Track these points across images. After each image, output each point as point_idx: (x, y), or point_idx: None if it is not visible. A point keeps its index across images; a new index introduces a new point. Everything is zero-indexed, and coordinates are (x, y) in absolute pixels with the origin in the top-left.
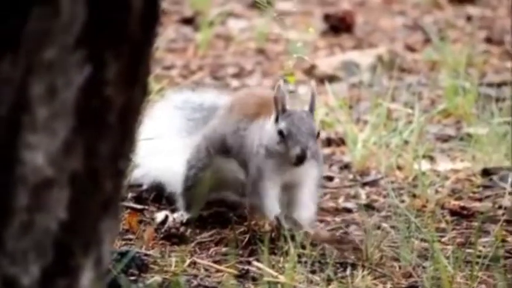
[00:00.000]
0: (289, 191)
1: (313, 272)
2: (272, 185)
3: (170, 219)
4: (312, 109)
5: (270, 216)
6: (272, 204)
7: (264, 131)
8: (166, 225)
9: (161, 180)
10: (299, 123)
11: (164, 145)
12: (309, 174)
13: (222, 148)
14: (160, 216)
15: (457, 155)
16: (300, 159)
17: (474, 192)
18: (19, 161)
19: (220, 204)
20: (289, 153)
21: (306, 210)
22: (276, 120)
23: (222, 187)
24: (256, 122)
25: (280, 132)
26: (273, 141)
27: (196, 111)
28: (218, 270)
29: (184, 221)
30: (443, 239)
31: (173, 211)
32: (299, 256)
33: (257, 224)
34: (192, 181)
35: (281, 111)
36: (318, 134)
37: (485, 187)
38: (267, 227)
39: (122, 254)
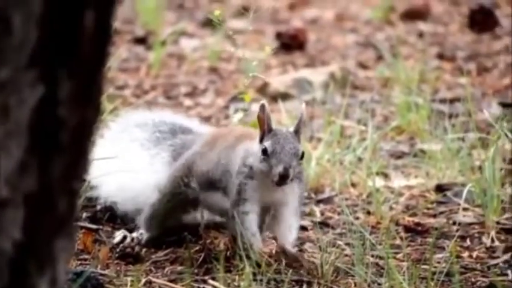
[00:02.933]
0: (273, 209)
1: None
2: (252, 207)
3: (128, 239)
4: (297, 130)
5: (253, 245)
6: (254, 234)
7: (249, 152)
8: (121, 245)
9: (119, 199)
10: (284, 143)
11: (126, 161)
12: (293, 193)
13: (207, 183)
14: (118, 235)
15: (410, 171)
16: (283, 178)
17: (428, 208)
18: None
19: (175, 224)
20: (272, 171)
21: (291, 230)
22: (261, 139)
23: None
24: (239, 149)
25: (264, 151)
26: (257, 159)
27: (161, 124)
28: None
29: (144, 241)
30: (398, 256)
31: (130, 231)
32: (254, 274)
33: (212, 242)
34: (161, 209)
35: (267, 131)
36: (303, 154)
37: (439, 203)
38: (222, 246)
39: (78, 274)
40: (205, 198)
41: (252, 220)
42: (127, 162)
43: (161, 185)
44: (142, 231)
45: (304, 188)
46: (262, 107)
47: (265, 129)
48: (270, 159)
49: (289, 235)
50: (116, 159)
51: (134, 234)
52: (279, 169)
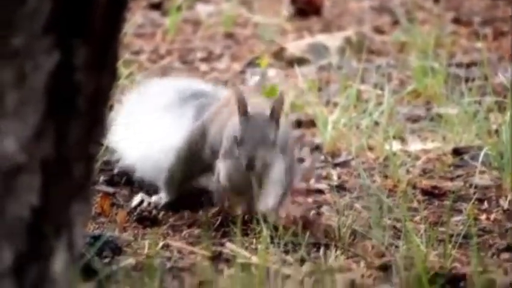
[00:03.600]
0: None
1: (286, 252)
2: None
3: (145, 202)
4: (272, 114)
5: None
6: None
7: (228, 131)
8: (138, 208)
9: (139, 163)
10: (253, 131)
11: (149, 125)
12: (278, 166)
13: (215, 149)
14: (136, 199)
15: (427, 135)
16: (248, 168)
17: (445, 172)
18: None
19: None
20: (240, 160)
21: (267, 199)
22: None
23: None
24: (232, 120)
25: (235, 138)
26: (230, 143)
27: (184, 89)
28: (191, 252)
29: (162, 203)
30: (415, 218)
31: (147, 194)
32: (272, 237)
33: (229, 206)
34: (178, 172)
35: (241, 114)
36: (274, 140)
37: (456, 166)
38: (239, 210)
39: (95, 238)
40: (216, 163)
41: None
42: (150, 126)
43: (178, 148)
44: (160, 194)
45: (291, 160)
46: (237, 90)
47: (241, 113)
48: (239, 147)
49: (263, 200)
50: (139, 122)
51: (152, 198)
52: (243, 160)
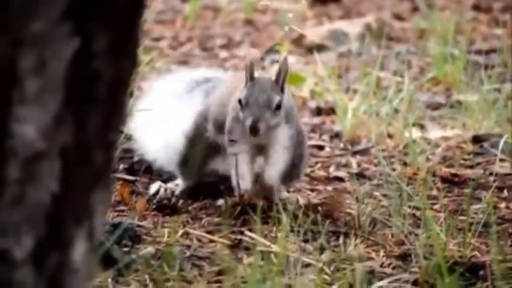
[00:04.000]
0: (263, 151)
1: (306, 241)
2: (241, 147)
3: (162, 190)
4: (277, 79)
5: (238, 190)
6: (243, 175)
7: (235, 100)
8: (158, 196)
9: (155, 152)
10: (258, 94)
11: (163, 113)
12: (282, 134)
13: (219, 127)
14: (153, 187)
15: (447, 123)
16: (252, 131)
17: (465, 159)
18: (10, 134)
19: (211, 175)
20: (244, 123)
21: (272, 168)
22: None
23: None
24: (235, 93)
25: (240, 101)
26: (235, 108)
27: (197, 76)
28: (211, 241)
29: (180, 190)
30: (435, 207)
31: (165, 182)
32: (291, 225)
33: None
34: (188, 155)
35: (248, 79)
36: (279, 103)
37: (476, 154)
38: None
39: (115, 226)
40: (222, 142)
41: (241, 161)
42: (164, 114)
43: (186, 131)
44: (176, 181)
45: (296, 128)
46: (247, 57)
47: (248, 78)
48: (243, 110)
49: (270, 169)
50: (153, 111)
51: (169, 185)
52: (247, 122)
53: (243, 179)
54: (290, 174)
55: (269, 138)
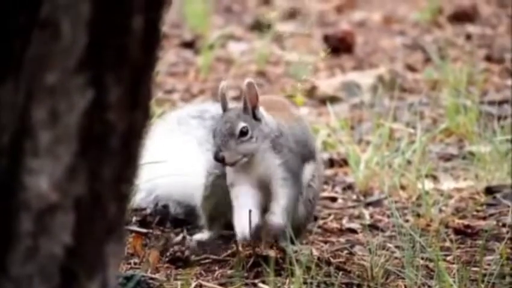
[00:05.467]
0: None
1: None
2: (240, 188)
3: (187, 240)
4: (246, 107)
5: (239, 237)
6: (239, 220)
7: None
8: (171, 249)
9: (176, 197)
10: (221, 124)
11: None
12: (274, 165)
13: None
14: (177, 238)
15: (460, 174)
16: (217, 161)
17: (478, 211)
18: (22, 186)
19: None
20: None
21: (277, 201)
22: None
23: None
24: None
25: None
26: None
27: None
28: None
29: (205, 239)
30: (448, 258)
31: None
32: (305, 277)
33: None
34: (210, 189)
35: (223, 111)
36: (245, 130)
37: (489, 205)
38: (272, 250)
39: (128, 278)
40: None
41: (238, 206)
42: (182, 162)
43: (206, 167)
44: (201, 233)
45: (286, 155)
46: (223, 85)
47: (222, 109)
48: (212, 140)
49: (273, 205)
50: (171, 159)
51: (197, 236)
52: (212, 153)
53: (240, 226)
54: (304, 213)
55: (262, 171)
